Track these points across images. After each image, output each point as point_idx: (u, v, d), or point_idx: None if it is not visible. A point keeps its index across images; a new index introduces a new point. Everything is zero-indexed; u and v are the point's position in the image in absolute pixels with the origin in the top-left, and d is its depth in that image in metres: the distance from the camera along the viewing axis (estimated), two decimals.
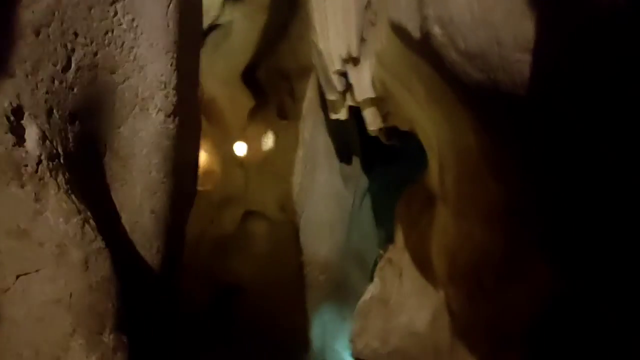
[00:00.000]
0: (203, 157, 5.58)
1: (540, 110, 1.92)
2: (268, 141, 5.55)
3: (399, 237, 4.31)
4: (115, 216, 2.39)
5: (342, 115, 4.42)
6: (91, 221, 2.04)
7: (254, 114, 5.61)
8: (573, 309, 2.61)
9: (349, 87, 4.10)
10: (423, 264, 3.93)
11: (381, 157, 6.32)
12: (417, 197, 4.38)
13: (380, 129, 4.40)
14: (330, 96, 4.19)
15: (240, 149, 5.62)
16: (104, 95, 2.36)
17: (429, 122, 3.41)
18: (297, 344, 5.56)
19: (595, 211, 2.22)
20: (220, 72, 5.57)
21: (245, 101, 5.58)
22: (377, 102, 3.99)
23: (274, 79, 5.70)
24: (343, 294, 5.89)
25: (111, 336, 2.02)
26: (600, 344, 2.54)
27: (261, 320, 5.56)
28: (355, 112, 4.82)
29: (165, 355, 2.80)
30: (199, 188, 5.54)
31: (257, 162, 5.54)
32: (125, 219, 2.41)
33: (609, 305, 2.46)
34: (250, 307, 5.62)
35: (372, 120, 4.14)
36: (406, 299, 3.99)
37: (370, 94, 3.89)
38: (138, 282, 2.42)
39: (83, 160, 2.23)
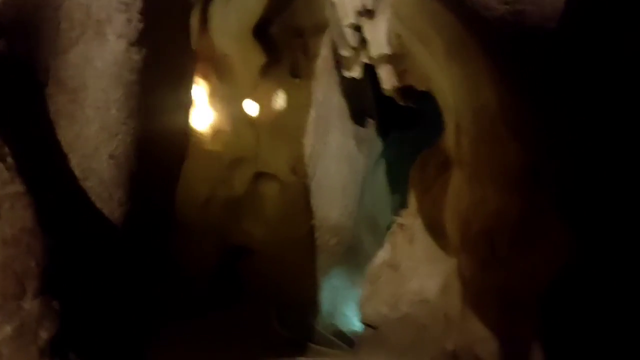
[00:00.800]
0: (212, 115, 5.43)
1: (570, 51, 1.71)
2: (280, 100, 5.37)
3: (412, 202, 4.16)
4: (60, 159, 2.03)
5: (356, 73, 4.22)
6: (8, 159, 1.70)
7: (266, 71, 5.41)
8: (588, 276, 2.46)
9: (363, 43, 3.89)
10: (435, 230, 3.79)
11: (397, 121, 6.12)
12: (432, 161, 4.20)
13: (396, 89, 4.20)
14: (344, 52, 3.99)
15: (251, 108, 5.45)
16: (43, 10, 1.99)
17: (446, 79, 3.21)
18: (306, 308, 5.49)
19: (618, 174, 2.04)
20: (231, 27, 5.35)
21: (256, 58, 5.37)
22: (393, 59, 3.79)
23: (287, 35, 5.47)
24: (354, 258, 5.78)
25: (35, 302, 1.68)
26: (615, 311, 2.42)
27: (270, 283, 5.50)
28: (371, 72, 4.62)
29: (129, 322, 2.40)
30: (209, 147, 5.43)
31: (268, 122, 5.38)
32: (75, 163, 2.07)
33: (625, 272, 2.31)
34: (259, 269, 5.55)
35: (387, 79, 3.94)
36: (417, 265, 3.87)
37: (385, 49, 3.68)
38: (90, 238, 2.08)
39: (10, 86, 1.87)
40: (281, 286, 5.45)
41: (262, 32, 5.48)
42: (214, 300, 5.44)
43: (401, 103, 4.59)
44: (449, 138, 3.74)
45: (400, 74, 3.89)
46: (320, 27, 5.38)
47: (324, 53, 5.39)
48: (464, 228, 3.25)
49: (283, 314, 5.38)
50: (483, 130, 2.89)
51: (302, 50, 5.46)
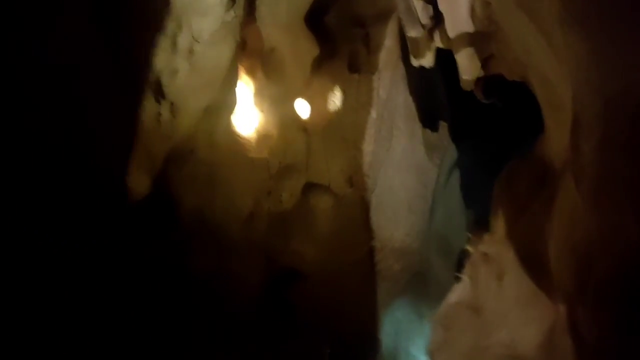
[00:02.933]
0: (258, 117, 4.72)
1: None
2: (335, 99, 4.58)
3: (499, 225, 3.23)
4: None
5: (427, 61, 3.36)
6: None
7: (320, 66, 4.65)
8: None
9: (437, 19, 3.03)
10: (534, 264, 2.85)
11: (475, 123, 5.20)
12: (523, 174, 3.26)
13: (478, 80, 3.30)
14: (412, 32, 3.15)
15: (302, 108, 4.69)
16: None
17: (559, 61, 2.29)
18: (364, 342, 4.72)
19: None
20: (281, 16, 4.64)
21: (309, 51, 4.63)
22: (477, 39, 2.90)
23: (346, 24, 4.70)
24: (422, 287, 4.91)
25: None
26: None
27: (323, 313, 4.73)
28: (444, 63, 3.76)
29: None
30: (253, 154, 4.71)
31: (321, 125, 4.61)
32: None
33: None
34: (311, 296, 4.78)
35: (468, 67, 3.06)
36: (508, 309, 2.94)
37: (467, 27, 2.80)
38: None
39: None
40: (335, 317, 4.67)
41: (317, 21, 4.73)
42: (259, 331, 4.72)
43: (482, 101, 3.68)
44: (554, 144, 2.81)
45: (485, 60, 2.99)
46: (384, 15, 4.58)
47: (388, 44, 4.57)
48: (582, 267, 2.30)
49: (337, 351, 4.65)
50: (619, 129, 1.97)
51: (362, 41, 4.66)
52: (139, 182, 4.07)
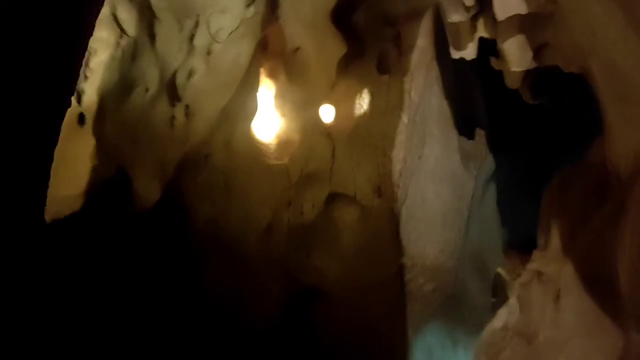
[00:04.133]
0: (279, 122, 4.37)
1: None
2: (363, 103, 4.21)
3: (553, 241, 2.80)
4: None
5: (468, 52, 2.99)
6: None
7: (346, 67, 4.29)
8: None
9: (483, 7, 2.65)
10: (598, 286, 2.42)
11: (516, 130, 4.79)
12: (579, 182, 2.85)
13: (527, 75, 2.89)
14: (454, 17, 2.78)
15: (326, 113, 4.33)
16: None
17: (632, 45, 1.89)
18: None
19: None
20: (305, 13, 4.31)
21: (335, 51, 4.28)
22: (530, 23, 2.51)
23: (375, 23, 4.33)
24: (456, 309, 4.48)
25: None
26: None
27: (347, 336, 4.30)
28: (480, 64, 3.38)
29: None
30: (273, 161, 4.35)
31: (347, 131, 4.23)
32: None
33: None
34: (333, 317, 4.35)
35: (518, 57, 2.67)
36: (566, 336, 2.49)
37: (519, 8, 2.41)
38: None
39: None
40: (360, 342, 4.24)
41: (344, 19, 4.38)
42: (278, 353, 4.31)
43: (529, 101, 3.28)
44: (620, 144, 2.39)
45: (538, 49, 2.58)
46: (417, 13, 4.21)
47: (421, 44, 4.19)
48: None
49: None
50: None
51: (392, 40, 4.29)
52: (148, 188, 3.74)
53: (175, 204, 4.10)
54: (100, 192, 3.14)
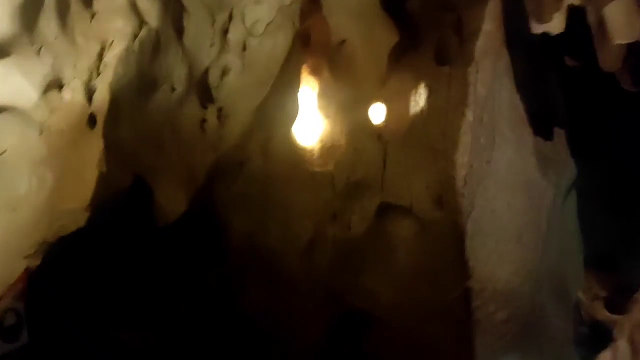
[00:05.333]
0: (323, 124, 3.87)
1: None
2: (419, 99, 3.64)
3: None
4: None
5: (554, 25, 2.37)
6: None
7: (399, 59, 3.75)
8: None
9: None
10: None
11: (602, 130, 4.12)
12: None
13: (629, 54, 2.23)
14: None
15: (376, 112, 3.79)
16: None
17: None
18: None
19: None
20: (352, 1, 3.81)
21: (386, 41, 3.73)
22: None
23: (432, 8, 3.76)
24: (533, 340, 3.81)
25: None
26: None
27: None
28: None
29: None
30: (316, 169, 3.84)
31: (401, 132, 3.67)
32: None
33: None
34: (388, 348, 3.79)
35: (624, 26, 2.01)
36: None
37: None
38: None
39: None
40: None
41: (395, 6, 3.84)
42: None
43: (629, 88, 2.61)
44: None
45: None
46: None
47: (488, 28, 3.58)
48: None
49: None
50: None
51: (453, 27, 3.69)
52: (173, 199, 3.31)
53: (205, 217, 3.69)
54: (113, 204, 2.72)
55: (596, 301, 4.51)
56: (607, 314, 4.32)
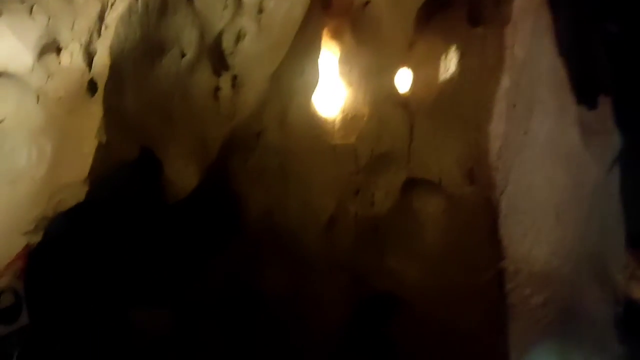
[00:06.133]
0: (345, 93, 3.61)
1: None
2: (450, 64, 3.33)
3: None
4: None
5: None
6: None
7: (428, 20, 3.45)
8: None
9: None
10: None
11: None
12: None
13: None
14: None
15: (403, 79, 3.50)
16: None
17: None
18: None
19: None
20: None
21: (413, 1, 3.42)
22: None
23: None
24: (571, 326, 3.53)
25: None
26: None
27: (430, 356, 3.46)
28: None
29: None
30: (338, 141, 3.59)
31: (429, 100, 3.39)
32: None
33: None
34: (414, 332, 3.54)
35: None
36: None
37: None
38: None
39: None
40: None
41: None
42: None
43: None
44: None
45: None
46: None
47: None
48: None
49: None
50: None
51: None
52: (184, 173, 3.11)
53: (219, 193, 3.48)
54: (116, 177, 2.51)
55: (633, 280, 4.25)
56: None
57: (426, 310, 3.49)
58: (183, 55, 3.17)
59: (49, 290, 2.76)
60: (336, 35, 3.67)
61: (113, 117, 2.53)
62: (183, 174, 3.06)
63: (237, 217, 3.65)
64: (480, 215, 3.23)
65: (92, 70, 2.60)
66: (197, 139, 3.23)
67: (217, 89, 3.40)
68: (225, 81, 3.43)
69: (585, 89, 3.40)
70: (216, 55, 3.41)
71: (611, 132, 3.65)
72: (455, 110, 3.27)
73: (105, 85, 2.55)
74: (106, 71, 2.55)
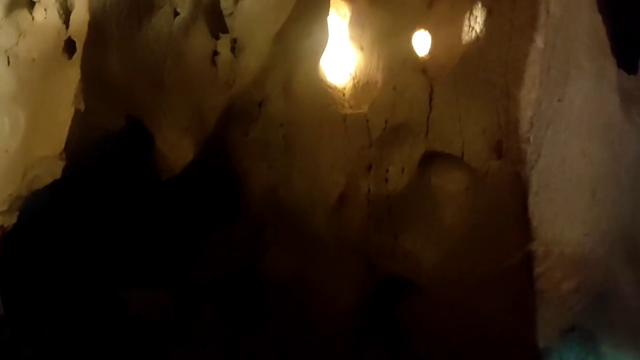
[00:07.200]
0: (357, 58, 3.29)
1: None
2: (474, 24, 2.98)
3: None
4: None
5: None
6: None
7: None
8: None
9: None
10: None
11: None
12: None
13: None
14: None
15: (421, 42, 3.15)
16: None
17: None
18: None
19: None
20: None
21: None
22: None
23: None
24: (604, 312, 3.25)
25: None
26: None
27: (449, 345, 3.23)
28: None
29: None
30: (349, 111, 3.26)
31: (451, 65, 3.07)
32: None
33: None
34: (431, 319, 3.28)
35: None
36: None
37: None
38: None
39: None
40: (469, 355, 3.16)
41: None
42: None
43: None
44: None
45: None
46: None
47: None
48: None
49: None
50: None
51: None
52: (178, 146, 2.81)
53: (219, 168, 3.19)
54: (100, 150, 2.20)
55: None
56: None
57: (444, 297, 3.22)
58: (176, 15, 2.86)
59: (27, 278, 2.48)
60: None
61: (93, 82, 2.23)
62: (177, 148, 2.77)
63: (238, 195, 3.39)
64: (507, 193, 2.92)
65: (69, 29, 2.29)
66: (193, 109, 2.93)
67: (214, 53, 3.11)
68: (223, 45, 3.14)
69: (626, 51, 3.05)
70: (214, 16, 3.09)
71: None
72: (481, 75, 2.93)
73: (84, 46, 2.23)
74: (85, 29, 2.23)
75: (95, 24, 2.29)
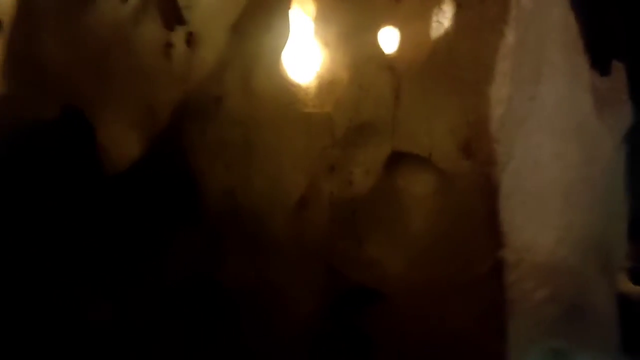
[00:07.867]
0: (321, 54, 3.16)
1: None
2: (443, 18, 2.87)
3: None
4: None
5: None
6: None
7: None
8: None
9: None
10: None
11: None
12: None
13: None
14: None
15: (388, 37, 3.02)
16: None
17: None
18: None
19: None
20: None
21: None
22: None
23: None
24: (578, 324, 3.13)
25: None
26: None
27: (416, 355, 3.05)
28: None
29: None
30: (312, 109, 3.10)
31: (419, 61, 2.93)
32: None
33: None
34: (397, 331, 3.09)
35: None
36: None
37: None
38: None
39: None
40: None
41: None
42: None
43: None
44: None
45: None
46: None
47: None
48: None
49: None
50: None
51: None
52: (124, 140, 2.62)
53: (173, 168, 3.02)
54: (39, 141, 2.00)
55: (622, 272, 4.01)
56: (631, 285, 3.93)
57: (411, 307, 3.07)
58: (124, 0, 2.66)
59: None
60: None
61: (20, 64, 2.02)
62: (121, 142, 2.58)
63: (193, 197, 3.22)
64: (477, 197, 2.79)
65: None
66: (142, 103, 2.76)
67: (168, 45, 2.93)
68: (179, 37, 2.96)
69: (599, 51, 2.97)
70: (168, 7, 2.91)
71: (624, 103, 3.24)
72: (450, 71, 2.80)
73: (12, 26, 2.01)
74: (13, 4, 2.02)
75: (26, 2, 2.09)
